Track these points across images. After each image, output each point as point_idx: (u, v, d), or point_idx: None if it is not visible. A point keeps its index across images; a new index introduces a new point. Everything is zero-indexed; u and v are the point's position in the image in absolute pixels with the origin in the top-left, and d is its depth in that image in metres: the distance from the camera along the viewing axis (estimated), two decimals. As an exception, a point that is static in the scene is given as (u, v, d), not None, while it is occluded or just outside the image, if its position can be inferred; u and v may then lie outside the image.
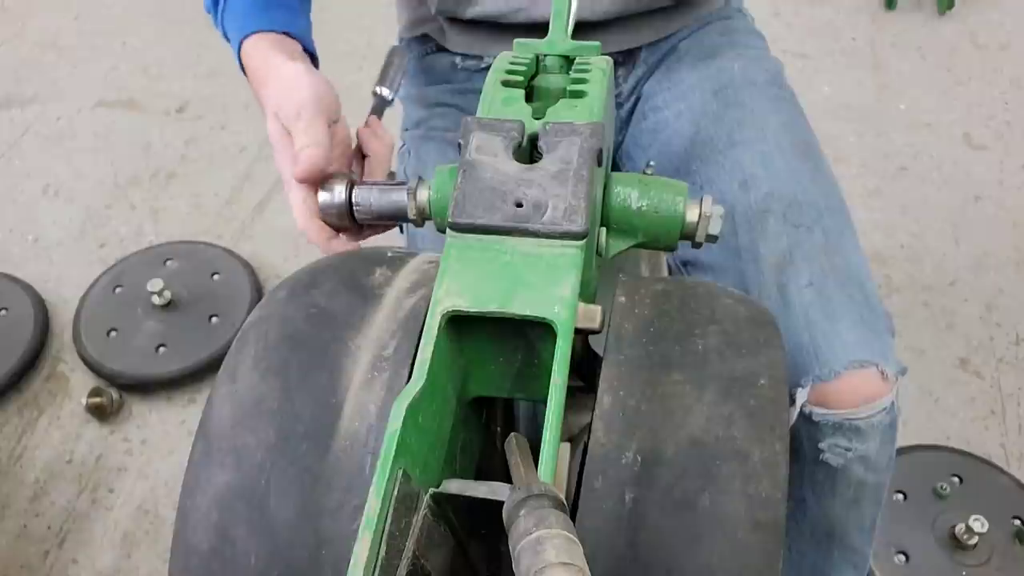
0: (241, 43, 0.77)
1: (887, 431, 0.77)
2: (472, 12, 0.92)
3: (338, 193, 0.67)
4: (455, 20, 0.95)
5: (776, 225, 0.79)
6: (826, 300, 0.76)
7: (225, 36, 0.81)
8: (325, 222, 0.69)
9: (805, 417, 0.76)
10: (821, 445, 0.77)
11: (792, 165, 0.83)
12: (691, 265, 0.86)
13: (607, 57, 0.63)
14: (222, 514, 0.46)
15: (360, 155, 0.76)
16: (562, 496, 0.36)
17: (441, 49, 1.02)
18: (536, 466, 0.41)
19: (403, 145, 1.02)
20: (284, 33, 0.77)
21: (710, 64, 0.93)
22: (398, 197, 0.65)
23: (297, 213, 0.69)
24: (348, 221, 0.68)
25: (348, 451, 0.46)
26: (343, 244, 0.70)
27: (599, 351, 0.51)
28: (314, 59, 0.80)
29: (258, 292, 1.72)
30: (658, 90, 0.95)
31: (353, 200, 0.67)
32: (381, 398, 0.48)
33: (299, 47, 0.78)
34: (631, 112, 0.99)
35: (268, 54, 0.75)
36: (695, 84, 0.92)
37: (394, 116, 1.10)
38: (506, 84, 0.59)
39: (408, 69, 1.07)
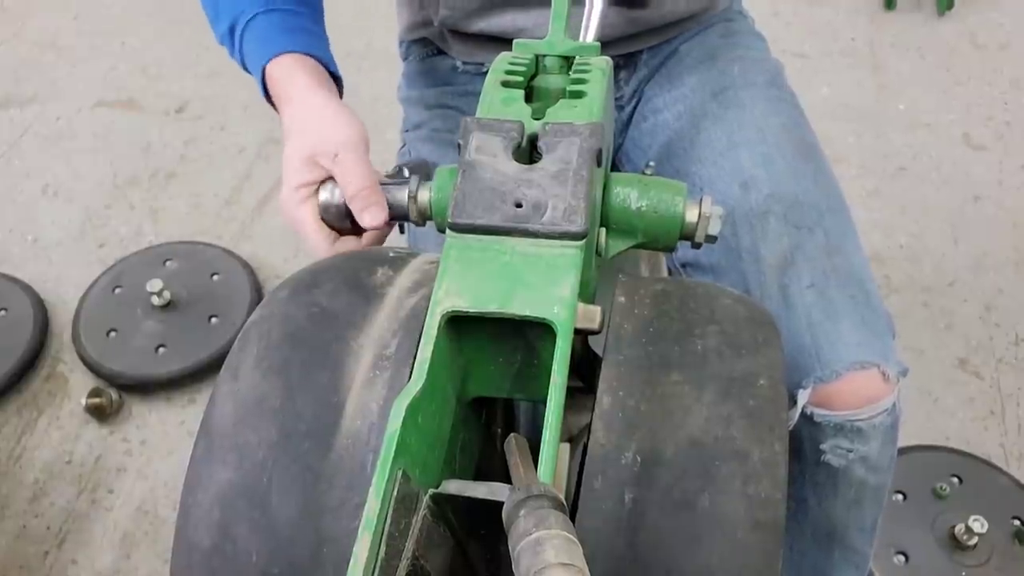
0: (265, 67, 0.74)
1: (889, 432, 0.78)
2: (475, 27, 0.92)
3: (338, 193, 0.67)
4: (457, 32, 0.95)
5: (777, 226, 0.79)
6: (828, 301, 0.76)
7: (244, 65, 0.79)
8: (324, 221, 0.68)
9: (807, 418, 0.76)
10: (823, 446, 0.77)
11: (793, 166, 0.83)
12: (691, 267, 0.86)
13: (607, 57, 0.63)
14: (224, 512, 0.46)
15: None
16: (562, 496, 0.36)
17: (441, 52, 1.02)
18: (536, 466, 0.41)
19: (403, 146, 1.02)
20: (308, 55, 0.74)
21: (711, 66, 0.93)
22: (399, 196, 0.65)
23: (299, 221, 0.68)
24: (347, 221, 0.67)
25: (350, 449, 0.46)
26: (346, 244, 0.69)
27: (599, 351, 0.51)
28: (338, 82, 0.78)
29: (258, 292, 1.72)
30: (659, 92, 0.95)
31: None
32: (383, 397, 0.48)
33: (325, 72, 0.75)
34: (632, 114, 0.99)
35: (295, 75, 0.73)
36: (695, 86, 0.92)
37: (395, 117, 1.10)
38: (506, 84, 0.59)
39: (407, 71, 1.07)
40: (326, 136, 0.68)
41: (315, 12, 0.80)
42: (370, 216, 0.65)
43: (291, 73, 0.73)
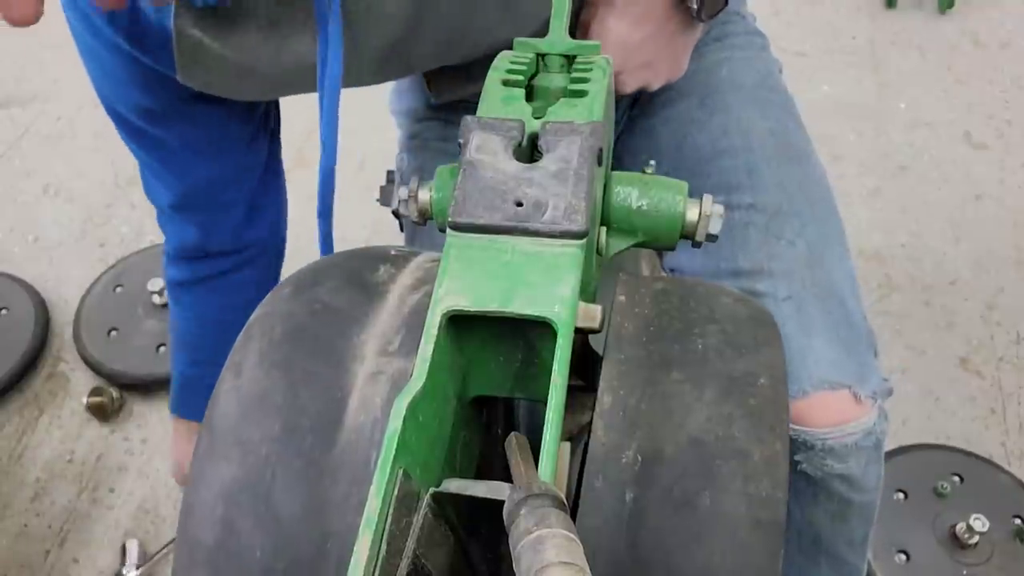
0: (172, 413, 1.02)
1: (871, 453, 0.76)
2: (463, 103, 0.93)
3: None
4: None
5: (757, 236, 0.78)
6: (804, 315, 0.75)
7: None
8: None
9: None
10: (797, 457, 0.76)
11: (778, 174, 0.82)
12: (676, 272, 0.86)
13: (608, 56, 0.63)
14: (227, 507, 0.46)
15: None
16: (562, 495, 0.36)
17: None
18: (536, 465, 0.41)
19: (399, 152, 1.02)
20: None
21: (698, 70, 0.91)
22: None
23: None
24: None
25: (353, 444, 0.46)
26: None
27: (599, 350, 0.51)
28: None
29: (258, 292, 1.72)
30: (649, 97, 0.95)
31: None
32: (386, 392, 0.48)
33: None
34: (627, 122, 0.98)
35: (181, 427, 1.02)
36: (683, 91, 0.91)
37: (392, 125, 1.10)
38: (506, 83, 0.59)
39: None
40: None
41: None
42: None
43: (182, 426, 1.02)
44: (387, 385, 0.48)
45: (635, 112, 0.96)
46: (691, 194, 0.81)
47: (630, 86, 0.80)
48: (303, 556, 0.45)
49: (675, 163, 0.87)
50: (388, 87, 1.09)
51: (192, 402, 1.00)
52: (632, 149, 0.95)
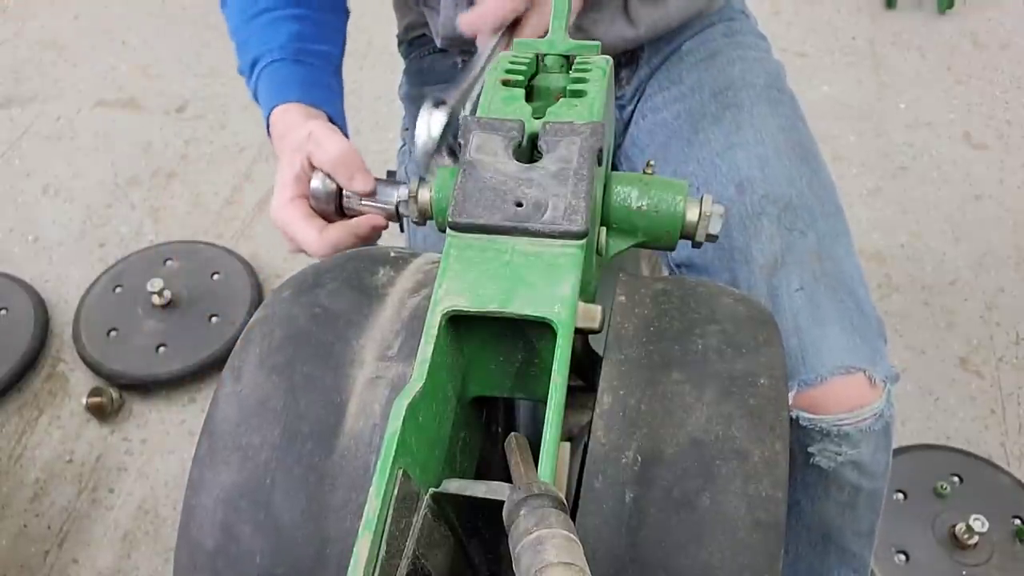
0: (273, 109, 0.78)
1: (880, 438, 0.77)
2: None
3: (328, 180, 0.70)
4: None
5: (770, 227, 0.79)
6: (815, 305, 0.76)
7: (255, 99, 0.83)
8: (315, 209, 0.71)
9: (793, 421, 0.76)
10: (811, 449, 0.77)
11: (789, 168, 0.83)
12: (686, 267, 0.87)
13: (607, 56, 0.63)
14: (227, 512, 0.46)
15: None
16: (562, 495, 0.36)
17: (441, 49, 1.02)
18: (536, 465, 0.41)
19: (404, 144, 1.02)
20: (314, 106, 0.78)
21: (711, 66, 0.93)
22: (385, 196, 0.69)
23: (287, 220, 0.71)
24: (333, 205, 0.70)
25: (353, 450, 0.46)
26: (335, 230, 0.70)
27: (599, 350, 0.51)
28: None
29: (258, 292, 1.72)
30: (658, 90, 0.95)
31: (344, 192, 0.70)
32: (385, 397, 0.48)
33: (326, 119, 0.78)
34: (632, 113, 0.98)
35: (296, 117, 0.76)
36: (695, 85, 0.92)
37: (395, 116, 1.10)
38: (506, 84, 0.59)
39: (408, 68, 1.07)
40: (315, 152, 0.70)
41: (334, 67, 0.85)
42: (359, 182, 0.68)
43: (294, 116, 0.77)
44: (386, 390, 0.48)
45: (645, 106, 0.96)
46: (703, 186, 0.81)
47: None
48: (302, 562, 0.45)
49: (686, 155, 0.88)
50: (396, 78, 1.09)
51: (292, 82, 0.80)
52: (640, 143, 0.95)
